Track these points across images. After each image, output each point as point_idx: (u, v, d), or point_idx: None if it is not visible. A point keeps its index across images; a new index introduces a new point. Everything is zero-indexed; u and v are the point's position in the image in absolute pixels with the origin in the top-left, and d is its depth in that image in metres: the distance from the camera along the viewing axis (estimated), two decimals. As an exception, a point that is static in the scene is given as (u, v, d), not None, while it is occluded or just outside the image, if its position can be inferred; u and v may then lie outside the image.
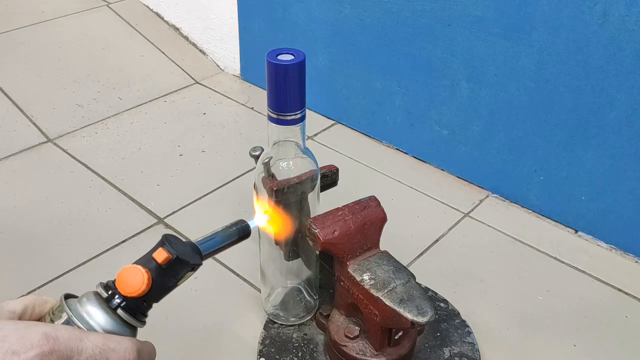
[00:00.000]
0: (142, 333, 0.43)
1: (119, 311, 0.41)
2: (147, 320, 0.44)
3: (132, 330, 0.42)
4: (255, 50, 1.18)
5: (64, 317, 0.40)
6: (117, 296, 0.41)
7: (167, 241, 0.43)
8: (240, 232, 0.51)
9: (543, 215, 0.89)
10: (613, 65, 0.73)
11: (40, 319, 0.41)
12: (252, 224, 0.52)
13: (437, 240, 0.84)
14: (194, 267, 0.44)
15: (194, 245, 0.46)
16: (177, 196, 0.91)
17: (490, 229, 0.86)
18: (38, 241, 0.82)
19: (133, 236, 0.83)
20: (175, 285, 0.44)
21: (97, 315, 0.40)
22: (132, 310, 0.42)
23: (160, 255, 0.42)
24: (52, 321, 0.40)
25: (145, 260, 0.43)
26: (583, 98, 0.78)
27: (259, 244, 0.66)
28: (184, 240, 0.45)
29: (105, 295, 0.41)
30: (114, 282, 0.42)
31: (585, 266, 0.80)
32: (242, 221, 0.51)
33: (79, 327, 0.39)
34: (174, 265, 0.43)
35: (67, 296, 0.41)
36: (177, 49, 1.30)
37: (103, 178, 0.94)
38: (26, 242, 0.82)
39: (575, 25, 0.75)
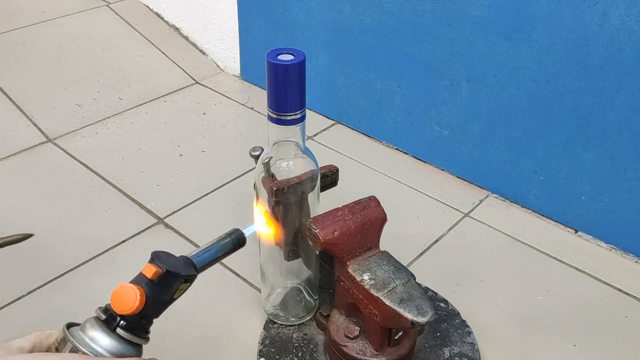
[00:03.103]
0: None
1: (119, 331, 0.42)
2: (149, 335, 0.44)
3: (137, 348, 0.43)
4: (255, 50, 1.18)
5: (69, 346, 0.41)
6: (114, 317, 0.42)
7: (156, 257, 0.44)
8: (235, 241, 0.51)
9: (543, 215, 0.89)
10: (613, 65, 0.73)
11: (47, 351, 0.42)
12: (248, 231, 0.52)
13: (437, 240, 0.84)
14: (188, 279, 0.45)
15: (187, 259, 0.47)
16: (177, 196, 0.91)
17: (490, 229, 0.86)
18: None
19: (133, 236, 0.83)
20: (172, 299, 0.45)
21: (100, 339, 0.41)
22: (132, 329, 0.42)
23: (149, 271, 0.43)
24: (57, 351, 0.41)
25: (138, 279, 0.44)
26: (583, 98, 0.77)
27: (259, 244, 0.66)
28: (182, 248, 0.46)
29: (103, 317, 0.42)
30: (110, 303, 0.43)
31: (585, 266, 0.80)
32: (237, 230, 0.52)
33: (84, 353, 0.40)
34: (166, 279, 0.43)
35: (70, 325, 0.42)
36: (177, 49, 1.30)
37: (103, 178, 0.94)
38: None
39: (575, 25, 0.75)
